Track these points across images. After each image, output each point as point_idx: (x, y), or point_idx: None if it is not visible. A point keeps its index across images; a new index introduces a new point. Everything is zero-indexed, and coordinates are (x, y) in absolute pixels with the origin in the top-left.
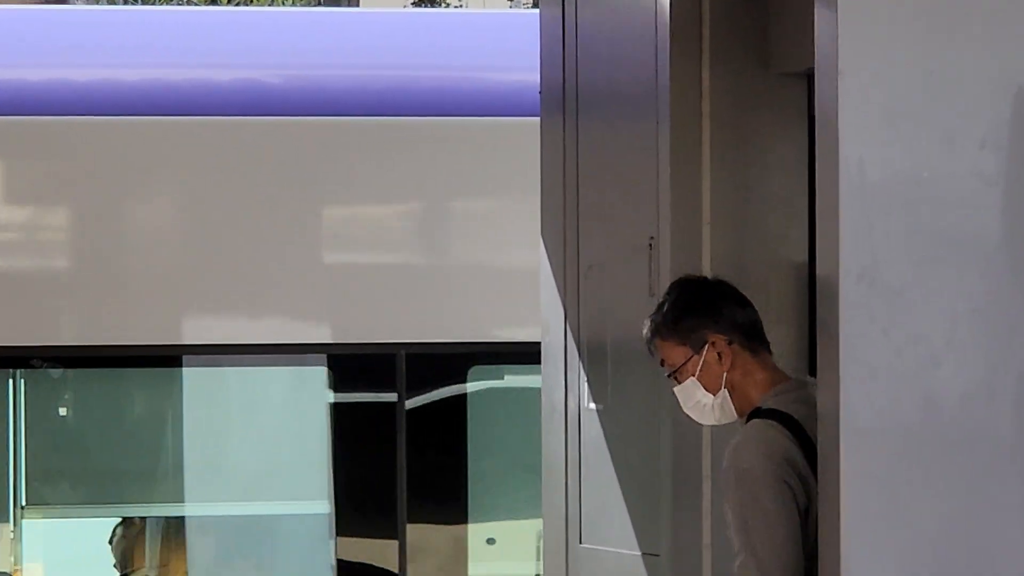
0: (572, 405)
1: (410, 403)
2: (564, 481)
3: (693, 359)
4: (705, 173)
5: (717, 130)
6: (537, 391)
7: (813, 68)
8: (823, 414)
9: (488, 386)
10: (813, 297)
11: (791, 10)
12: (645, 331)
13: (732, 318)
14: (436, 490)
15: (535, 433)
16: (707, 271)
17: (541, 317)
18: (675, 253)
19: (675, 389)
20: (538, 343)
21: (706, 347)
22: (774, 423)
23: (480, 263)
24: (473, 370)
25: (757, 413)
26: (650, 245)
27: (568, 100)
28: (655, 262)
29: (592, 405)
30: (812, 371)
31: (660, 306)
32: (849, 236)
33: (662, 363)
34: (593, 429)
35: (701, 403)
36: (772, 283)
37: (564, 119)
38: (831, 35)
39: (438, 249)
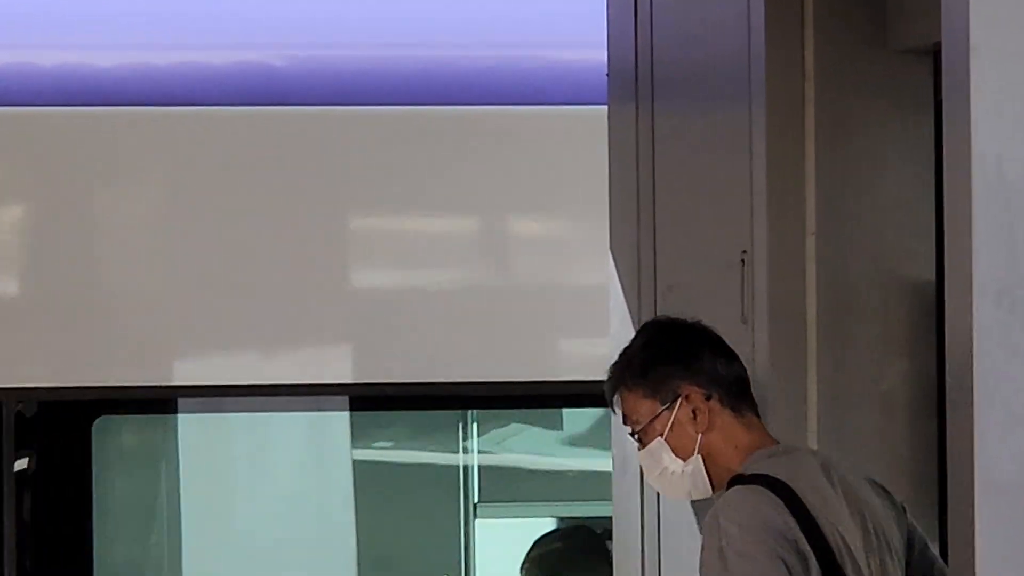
0: None
1: (20, 463)
2: (639, 549)
3: (662, 415)
4: (809, 173)
5: (823, 120)
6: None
7: (940, 43)
8: (953, 466)
9: (117, 441)
10: (941, 324)
11: None
12: (607, 380)
13: (713, 369)
14: (55, 567)
15: (165, 494)
16: (811, 291)
17: (610, 348)
18: (773, 270)
19: (640, 454)
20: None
21: (679, 401)
22: (762, 488)
23: (111, 288)
24: (99, 421)
25: (739, 480)
26: (743, 261)
27: (641, 84)
28: (748, 281)
29: None
30: (940, 413)
31: (626, 350)
32: (984, 249)
33: (624, 420)
34: None
35: (668, 470)
36: (891, 307)
37: (637, 107)
38: (961, 1)
39: (59, 274)
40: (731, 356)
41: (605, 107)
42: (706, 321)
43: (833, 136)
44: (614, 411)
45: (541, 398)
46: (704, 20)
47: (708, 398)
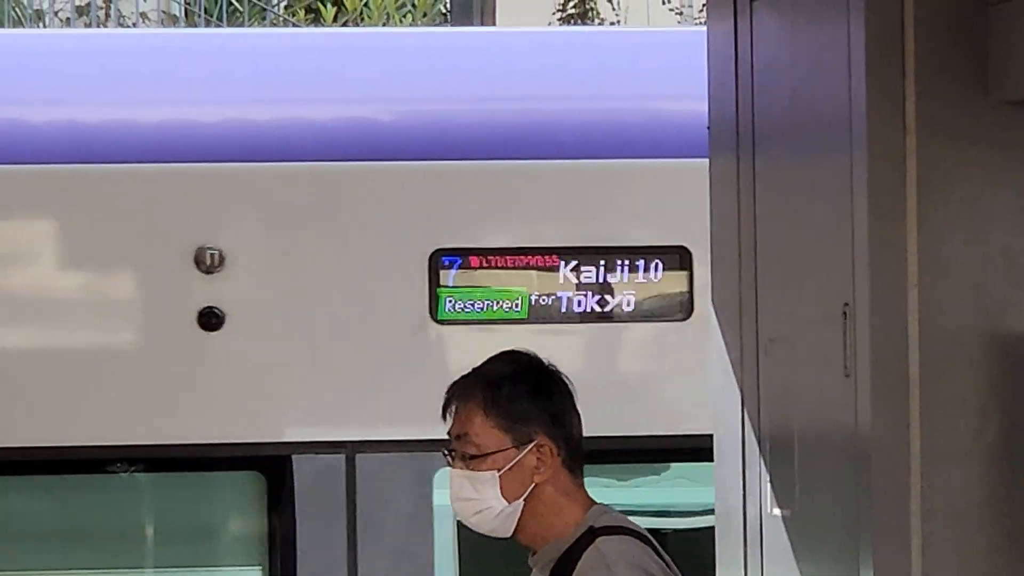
0: (752, 512)
1: None
2: None
3: (507, 452)
4: (911, 224)
5: (925, 171)
6: None
7: None
8: None
9: None
10: None
11: (1017, 23)
12: (455, 389)
13: (570, 426)
14: None
15: None
16: (914, 344)
17: (711, 403)
18: (875, 323)
19: (455, 472)
20: None
21: (530, 447)
22: (635, 539)
23: None
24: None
25: (592, 532)
26: (844, 313)
27: (742, 136)
28: (851, 334)
29: (776, 511)
30: None
31: (488, 370)
32: None
33: (458, 436)
34: (778, 541)
35: (486, 504)
36: (995, 359)
37: (738, 159)
38: None
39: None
40: (579, 414)
41: (706, 160)
42: (808, 375)
43: (935, 188)
44: (444, 419)
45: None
46: (805, 72)
47: (556, 453)
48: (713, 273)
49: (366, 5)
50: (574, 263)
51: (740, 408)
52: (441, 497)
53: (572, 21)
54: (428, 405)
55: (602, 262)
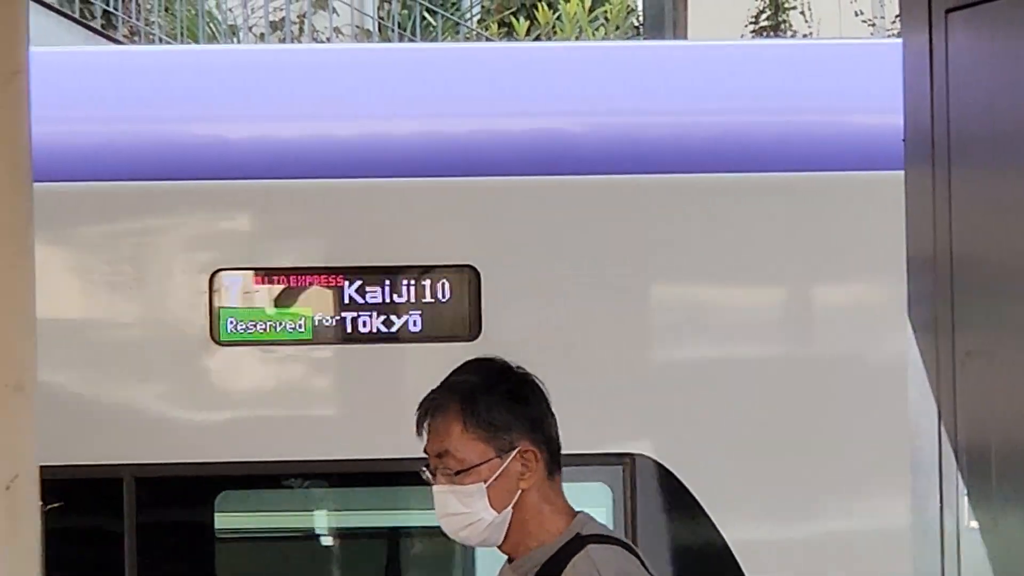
0: (949, 525)
1: None
2: None
3: (491, 463)
4: None
5: None
6: None
7: None
8: None
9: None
10: None
11: None
12: (428, 404)
13: (550, 429)
14: None
15: None
16: None
17: (909, 416)
18: None
19: (439, 488)
20: None
21: (513, 454)
22: (623, 550)
23: None
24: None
25: (578, 541)
26: None
27: (938, 148)
28: None
29: (974, 524)
30: None
31: (460, 382)
32: None
33: (439, 454)
34: (976, 554)
35: (476, 516)
36: None
37: (933, 171)
38: None
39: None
40: (555, 416)
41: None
42: (1005, 388)
43: None
44: (420, 435)
45: None
46: (1002, 84)
47: (540, 458)
48: (909, 285)
49: (559, 18)
50: (359, 283)
51: (937, 421)
52: (222, 520)
53: (765, 33)
54: (209, 427)
55: (387, 282)
